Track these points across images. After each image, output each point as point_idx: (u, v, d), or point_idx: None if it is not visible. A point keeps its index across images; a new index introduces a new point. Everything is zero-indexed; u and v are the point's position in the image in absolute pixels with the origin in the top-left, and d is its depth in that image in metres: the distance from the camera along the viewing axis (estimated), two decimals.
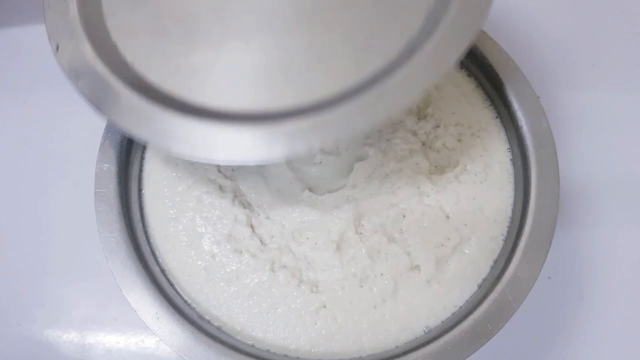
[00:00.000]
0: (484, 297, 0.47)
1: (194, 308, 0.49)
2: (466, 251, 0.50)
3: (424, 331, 0.48)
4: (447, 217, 0.51)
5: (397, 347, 0.48)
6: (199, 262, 0.50)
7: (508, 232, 0.51)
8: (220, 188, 0.52)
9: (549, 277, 0.62)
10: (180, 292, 0.50)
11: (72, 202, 0.65)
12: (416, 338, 0.48)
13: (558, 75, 0.73)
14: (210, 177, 0.53)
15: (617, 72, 0.74)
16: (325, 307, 0.48)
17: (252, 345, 0.48)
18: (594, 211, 0.66)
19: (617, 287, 0.62)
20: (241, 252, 0.50)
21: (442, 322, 0.48)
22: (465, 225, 0.51)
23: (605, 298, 0.61)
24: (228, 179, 0.53)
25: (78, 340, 0.61)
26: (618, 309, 0.61)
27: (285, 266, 0.49)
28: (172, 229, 0.52)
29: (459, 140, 0.54)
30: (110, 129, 0.53)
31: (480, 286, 0.49)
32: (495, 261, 0.50)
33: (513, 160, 0.54)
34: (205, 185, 0.52)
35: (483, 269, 0.50)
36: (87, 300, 0.63)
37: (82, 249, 0.63)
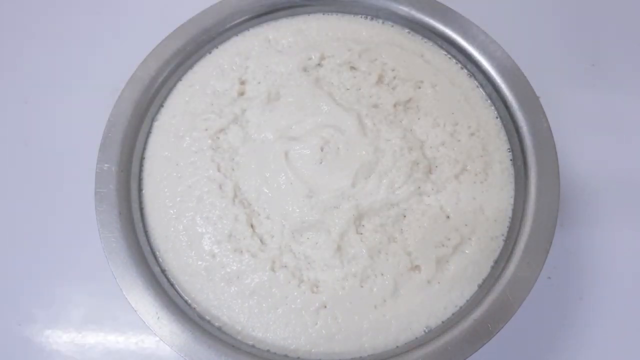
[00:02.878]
0: (485, 297, 0.47)
1: (194, 308, 0.49)
2: (467, 251, 0.50)
3: (425, 331, 0.48)
4: (448, 217, 0.51)
5: (397, 347, 0.48)
6: (200, 262, 0.50)
7: (508, 232, 0.51)
8: (221, 187, 0.52)
9: (549, 277, 0.62)
10: (181, 292, 0.50)
11: (72, 202, 0.65)
12: (416, 338, 0.48)
13: (558, 75, 0.73)
14: (210, 177, 0.53)
15: (617, 72, 0.74)
16: (325, 307, 0.48)
17: (253, 346, 0.48)
18: (594, 211, 0.66)
19: (616, 287, 0.62)
20: (241, 251, 0.50)
21: (443, 322, 0.48)
22: (466, 225, 0.50)
23: (605, 298, 0.62)
24: (228, 179, 0.53)
25: (78, 340, 0.61)
26: (618, 308, 0.61)
27: (285, 266, 0.49)
28: (172, 229, 0.52)
29: (458, 140, 0.54)
30: (111, 128, 0.53)
31: (480, 286, 0.49)
32: (496, 261, 0.50)
33: (513, 160, 0.54)
34: (206, 185, 0.52)
35: (483, 269, 0.50)
36: (87, 300, 0.63)
37: (82, 249, 0.63)
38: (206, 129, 0.55)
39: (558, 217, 0.49)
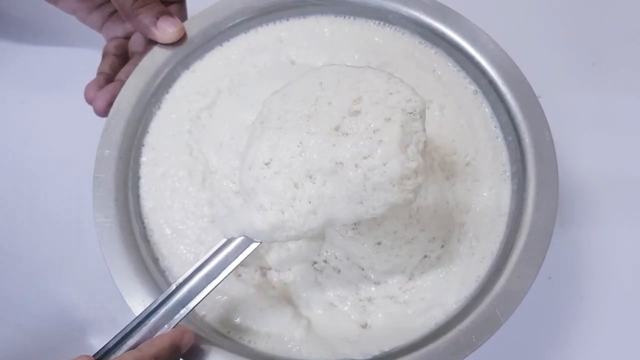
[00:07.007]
0: (471, 309, 0.46)
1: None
2: (453, 268, 0.49)
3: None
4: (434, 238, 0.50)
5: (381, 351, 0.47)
6: (189, 255, 0.50)
7: (498, 250, 0.50)
8: (190, 174, 0.52)
9: (550, 277, 0.62)
10: (171, 282, 0.49)
11: (71, 202, 0.65)
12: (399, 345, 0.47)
13: (558, 75, 0.73)
14: (182, 162, 0.52)
15: (617, 72, 0.74)
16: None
17: (241, 337, 0.48)
18: (594, 211, 0.66)
19: (617, 286, 0.62)
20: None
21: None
22: (442, 246, 0.50)
23: (605, 297, 0.61)
24: (199, 163, 0.52)
25: (78, 341, 0.61)
26: (618, 308, 0.61)
27: None
28: (158, 220, 0.51)
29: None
30: (115, 115, 0.53)
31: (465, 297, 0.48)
32: (481, 277, 0.49)
33: (511, 178, 0.53)
34: (178, 171, 0.52)
35: (469, 285, 0.49)
36: (87, 300, 0.63)
37: (82, 250, 0.63)
38: (189, 111, 0.55)
39: (557, 217, 0.48)
